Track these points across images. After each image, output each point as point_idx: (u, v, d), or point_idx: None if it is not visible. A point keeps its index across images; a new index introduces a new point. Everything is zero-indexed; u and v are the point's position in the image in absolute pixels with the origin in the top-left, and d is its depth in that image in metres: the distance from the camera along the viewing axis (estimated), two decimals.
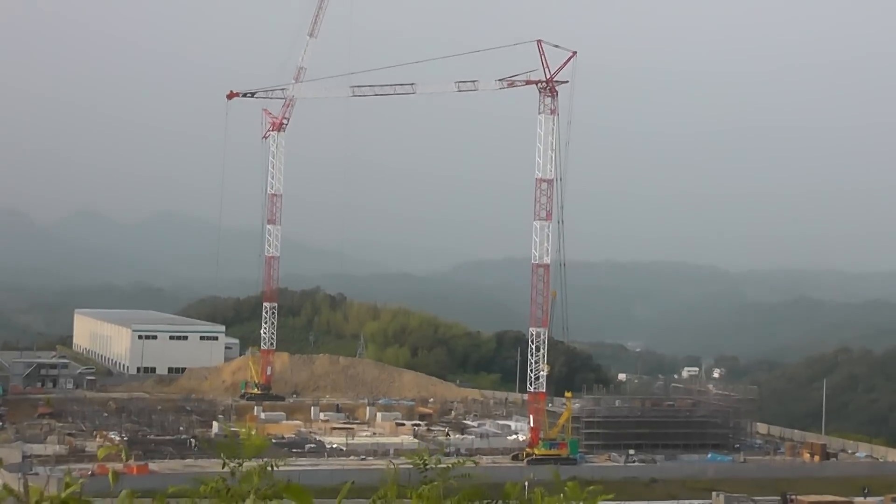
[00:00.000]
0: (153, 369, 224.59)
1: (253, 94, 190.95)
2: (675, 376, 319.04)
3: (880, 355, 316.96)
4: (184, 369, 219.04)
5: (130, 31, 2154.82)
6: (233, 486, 8.60)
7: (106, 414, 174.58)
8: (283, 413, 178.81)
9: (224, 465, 8.61)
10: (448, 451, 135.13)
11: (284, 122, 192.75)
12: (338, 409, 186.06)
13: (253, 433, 8.78)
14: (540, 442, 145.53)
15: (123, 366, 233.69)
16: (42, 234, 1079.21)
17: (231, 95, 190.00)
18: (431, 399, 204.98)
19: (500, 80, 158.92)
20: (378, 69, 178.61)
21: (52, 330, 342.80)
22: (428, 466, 9.32)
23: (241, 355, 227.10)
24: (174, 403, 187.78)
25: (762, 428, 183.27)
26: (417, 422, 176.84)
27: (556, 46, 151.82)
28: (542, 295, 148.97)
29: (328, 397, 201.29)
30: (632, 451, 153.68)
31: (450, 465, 9.41)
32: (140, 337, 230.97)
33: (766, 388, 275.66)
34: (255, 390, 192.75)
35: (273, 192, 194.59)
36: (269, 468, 8.54)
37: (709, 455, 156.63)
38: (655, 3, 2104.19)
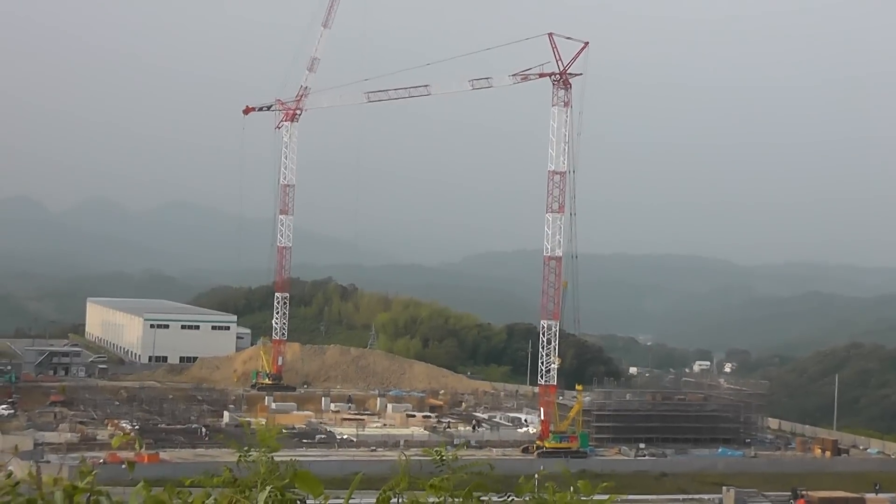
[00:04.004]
0: (165, 358, 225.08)
1: (269, 108, 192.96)
2: (686, 370, 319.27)
3: (892, 350, 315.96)
4: (195, 358, 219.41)
5: (139, 32, 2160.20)
6: (241, 477, 8.60)
7: (117, 402, 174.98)
8: (293, 403, 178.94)
9: (240, 458, 8.58)
10: (457, 442, 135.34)
11: (298, 112, 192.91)
12: (349, 400, 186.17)
13: (269, 432, 8.74)
14: (550, 435, 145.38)
15: (135, 354, 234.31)
16: (54, 221, 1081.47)
17: (248, 110, 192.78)
18: (442, 391, 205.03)
19: (513, 75, 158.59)
20: (391, 74, 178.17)
21: (65, 318, 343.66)
22: (444, 460, 9.25)
23: (252, 345, 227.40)
24: (185, 392, 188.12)
25: (773, 423, 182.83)
26: (428, 413, 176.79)
27: (569, 38, 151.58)
28: (553, 287, 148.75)
29: (339, 388, 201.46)
30: (642, 445, 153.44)
31: (468, 465, 9.37)
32: (152, 326, 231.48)
33: (777, 382, 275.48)
34: (266, 380, 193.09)
35: (286, 182, 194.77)
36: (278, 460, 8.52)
37: (719, 449, 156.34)
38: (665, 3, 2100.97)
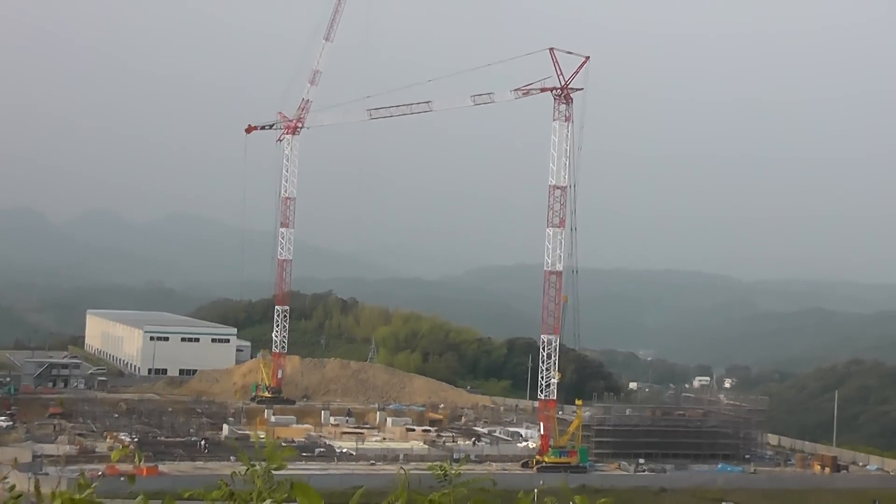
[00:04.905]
0: (164, 371, 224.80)
1: (271, 126, 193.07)
2: (686, 385, 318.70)
3: (892, 367, 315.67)
4: (195, 371, 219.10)
5: (142, 43, 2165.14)
6: (237, 490, 8.58)
7: (116, 415, 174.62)
8: (293, 416, 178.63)
9: (247, 469, 8.54)
10: (457, 456, 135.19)
11: (299, 125, 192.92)
12: (348, 414, 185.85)
13: (279, 451, 8.71)
14: (550, 449, 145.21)
15: (135, 367, 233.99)
16: (56, 233, 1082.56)
17: (249, 129, 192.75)
18: (442, 405, 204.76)
19: (515, 90, 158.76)
20: (393, 90, 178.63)
21: (65, 330, 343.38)
22: (447, 476, 9.24)
23: (252, 358, 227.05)
24: (185, 405, 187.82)
25: (773, 439, 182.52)
26: (427, 427, 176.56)
27: (569, 53, 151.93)
28: (553, 302, 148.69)
29: (339, 401, 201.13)
30: (642, 460, 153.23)
31: (470, 481, 9.35)
32: (152, 338, 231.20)
33: (777, 398, 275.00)
34: (266, 393, 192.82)
35: (287, 195, 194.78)
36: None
37: (719, 465, 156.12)
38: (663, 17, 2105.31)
